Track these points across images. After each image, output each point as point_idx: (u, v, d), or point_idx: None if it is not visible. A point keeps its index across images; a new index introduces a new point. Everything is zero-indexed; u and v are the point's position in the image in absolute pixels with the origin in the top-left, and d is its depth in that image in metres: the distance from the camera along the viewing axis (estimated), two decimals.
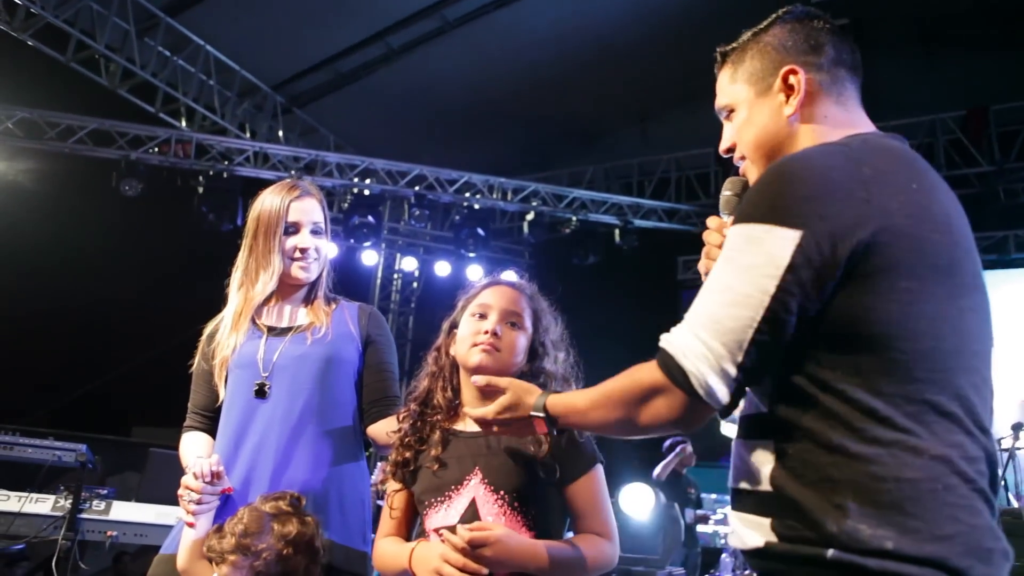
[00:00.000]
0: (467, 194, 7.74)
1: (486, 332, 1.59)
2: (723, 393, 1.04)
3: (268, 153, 7.14)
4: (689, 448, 6.34)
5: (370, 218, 7.13)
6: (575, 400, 1.27)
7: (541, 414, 1.31)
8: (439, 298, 8.03)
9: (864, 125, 1.21)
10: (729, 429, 4.70)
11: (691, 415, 1.09)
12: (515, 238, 8.88)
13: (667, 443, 6.54)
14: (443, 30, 7.20)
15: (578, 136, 8.80)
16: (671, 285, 9.02)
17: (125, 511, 3.45)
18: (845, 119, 1.21)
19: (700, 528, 6.38)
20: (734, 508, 1.15)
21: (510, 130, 8.29)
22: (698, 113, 8.53)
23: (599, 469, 1.57)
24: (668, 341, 1.10)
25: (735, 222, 1.07)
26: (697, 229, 8.42)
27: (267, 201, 1.96)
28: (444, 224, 8.49)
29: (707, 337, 1.04)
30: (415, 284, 8.94)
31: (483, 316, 1.62)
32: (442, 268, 8.32)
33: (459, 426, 1.63)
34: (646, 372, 1.12)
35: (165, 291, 8.01)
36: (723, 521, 6.65)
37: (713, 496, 7.14)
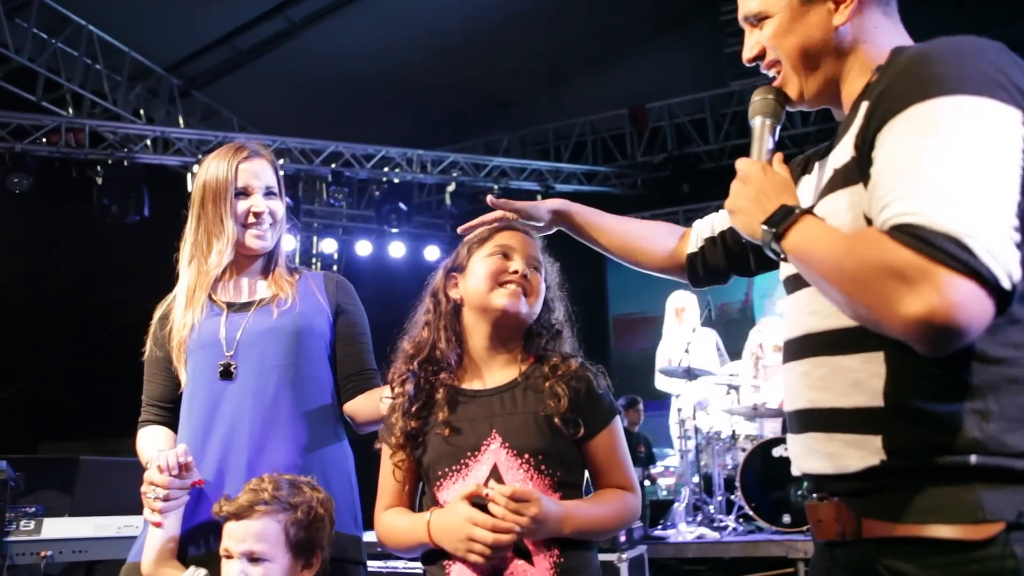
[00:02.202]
0: (385, 168, 7.52)
1: (515, 272, 1.47)
2: (1018, 272, 0.85)
3: (170, 138, 6.70)
4: (641, 407, 6.43)
5: (287, 200, 6.82)
6: (817, 241, 0.99)
7: (794, 211, 1.04)
8: (363, 279, 7.78)
9: (908, 39, 1.15)
10: (665, 383, 4.73)
11: (970, 315, 0.83)
12: (435, 211, 8.72)
13: (620, 401, 6.62)
14: (348, 0, 6.91)
15: (490, 104, 8.69)
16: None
17: (59, 528, 3.17)
18: (895, 31, 1.15)
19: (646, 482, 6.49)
20: (814, 430, 1.07)
21: (422, 101, 8.08)
22: (608, 75, 8.59)
23: (617, 421, 1.49)
24: (911, 215, 0.87)
25: (920, 99, 0.94)
26: (617, 190, 8.49)
27: (212, 167, 1.78)
28: (361, 202, 8.24)
29: (980, 203, 0.85)
30: (335, 267, 8.66)
31: (506, 256, 1.50)
32: (363, 248, 8.08)
33: (464, 384, 1.50)
34: (890, 252, 0.87)
35: (66, 295, 7.45)
36: (665, 474, 6.80)
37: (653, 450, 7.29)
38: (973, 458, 0.92)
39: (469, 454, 1.41)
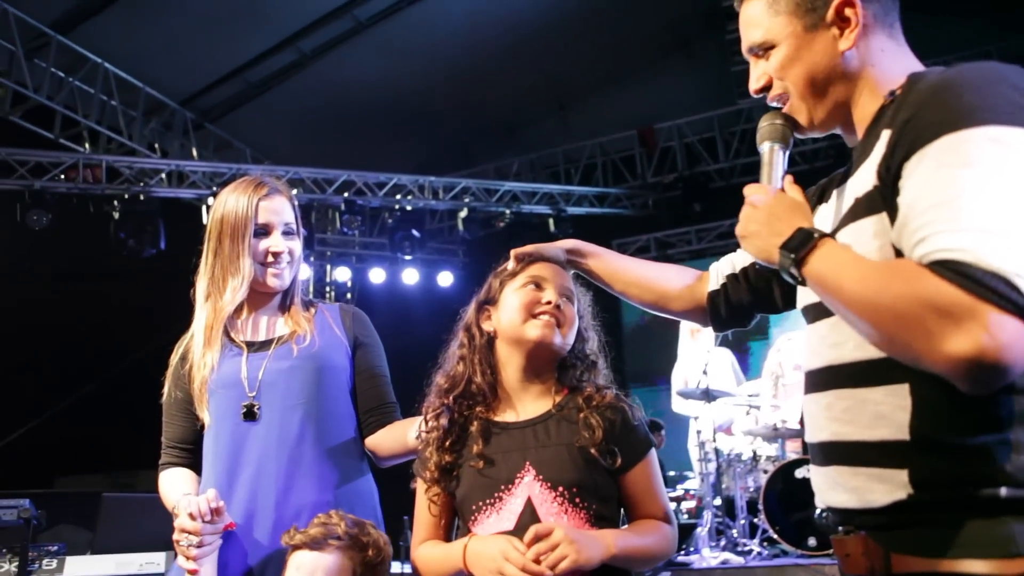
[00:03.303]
0: (398, 196, 7.57)
1: (548, 303, 1.46)
2: None
3: (185, 171, 6.78)
4: (663, 432, 6.38)
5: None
6: (843, 270, 0.97)
7: (813, 235, 1.03)
8: (377, 306, 7.80)
9: (915, 60, 1.15)
10: (683, 405, 4.66)
11: (1018, 354, 0.82)
12: (447, 237, 8.75)
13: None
14: (356, 31, 7.00)
15: (500, 129, 8.75)
16: None
17: (81, 566, 3.17)
18: (901, 52, 1.14)
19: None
20: (838, 463, 1.05)
21: (431, 128, 8.16)
22: (615, 97, 8.61)
23: (653, 453, 1.47)
24: (956, 251, 0.85)
25: (952, 129, 0.93)
26: (628, 212, 8.50)
27: (230, 201, 1.78)
28: (374, 230, 8.28)
29: None
30: (349, 295, 8.68)
31: (538, 287, 1.49)
32: (377, 275, 8.11)
33: (498, 416, 1.49)
34: (933, 288, 0.85)
35: (83, 329, 7.51)
36: (685, 497, 6.71)
37: (672, 473, 7.20)
38: (1004, 491, 0.90)
39: (503, 487, 1.39)
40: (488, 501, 1.40)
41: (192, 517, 1.50)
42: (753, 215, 1.12)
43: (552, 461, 1.39)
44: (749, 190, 1.16)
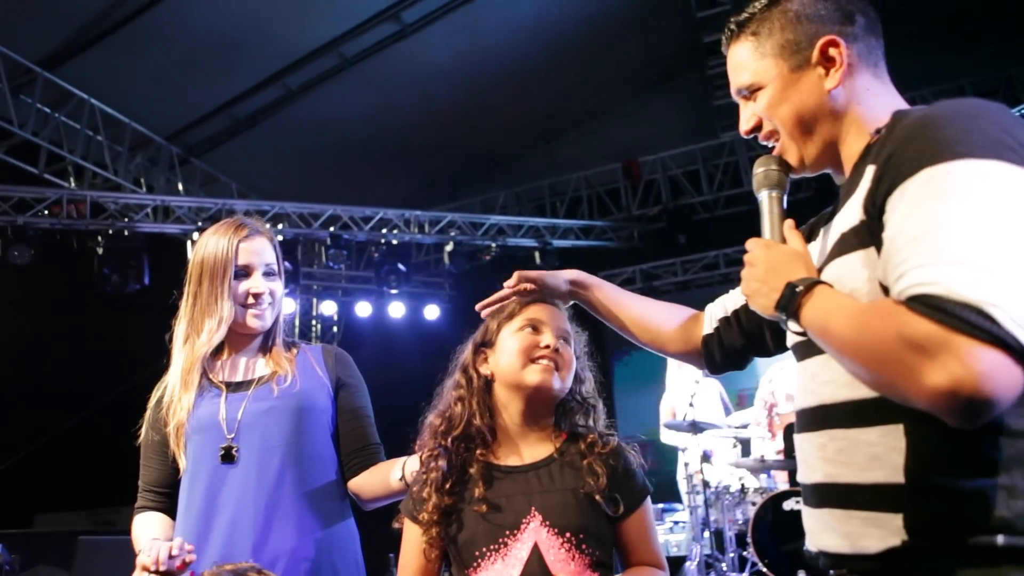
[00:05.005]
0: (384, 230, 7.58)
1: (547, 347, 1.45)
2: None
3: (170, 206, 6.76)
4: None
5: (286, 264, 6.85)
6: (831, 315, 0.97)
7: (799, 285, 1.03)
8: (363, 340, 7.72)
9: (900, 98, 1.16)
10: (671, 436, 4.63)
11: (997, 385, 0.80)
12: (433, 271, 8.75)
13: None
14: (342, 67, 7.06)
15: (485, 163, 8.81)
16: None
17: None
18: (886, 90, 1.16)
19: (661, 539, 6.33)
20: (831, 505, 1.03)
21: (417, 162, 8.21)
22: (600, 131, 8.71)
23: (649, 499, 1.47)
24: (930, 285, 0.85)
25: (932, 163, 0.93)
26: (614, 244, 8.55)
27: (211, 243, 1.77)
28: (360, 264, 8.28)
29: (999, 270, 0.83)
30: (335, 329, 8.65)
31: (536, 330, 1.47)
32: (363, 309, 8.09)
33: (499, 460, 1.46)
34: (908, 324, 0.85)
35: (63, 366, 7.43)
36: (674, 530, 6.65)
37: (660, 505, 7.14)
38: (1001, 538, 0.89)
39: (508, 533, 1.37)
40: (492, 547, 1.37)
41: (145, 568, 1.45)
42: (752, 273, 1.13)
43: (558, 507, 1.38)
44: (748, 245, 1.16)
